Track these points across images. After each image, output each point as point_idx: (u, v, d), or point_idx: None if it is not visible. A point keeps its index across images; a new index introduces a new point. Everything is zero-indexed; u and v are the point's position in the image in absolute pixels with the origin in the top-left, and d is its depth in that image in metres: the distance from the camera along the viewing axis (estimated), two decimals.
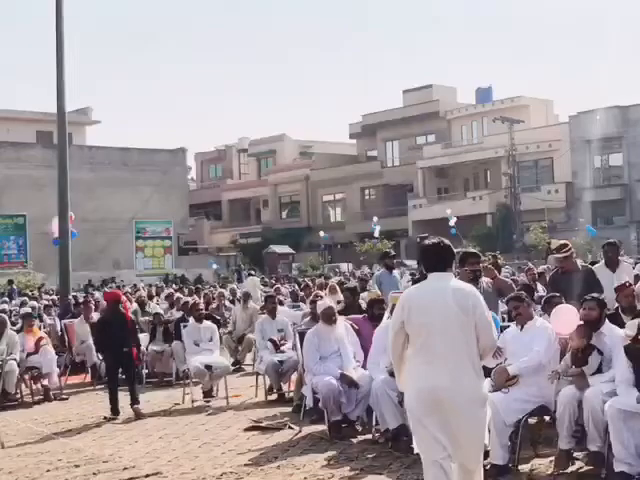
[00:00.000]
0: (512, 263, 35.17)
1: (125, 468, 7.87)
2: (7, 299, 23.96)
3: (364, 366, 9.06)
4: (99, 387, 13.17)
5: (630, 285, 8.48)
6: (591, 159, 50.31)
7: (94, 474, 7.74)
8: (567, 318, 7.29)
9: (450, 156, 56.18)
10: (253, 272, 37.81)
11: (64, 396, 12.49)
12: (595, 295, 7.47)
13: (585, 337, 7.08)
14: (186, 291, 24.88)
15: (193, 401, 11.19)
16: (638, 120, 47.37)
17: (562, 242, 9.89)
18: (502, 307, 9.65)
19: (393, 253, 14.99)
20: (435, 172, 58.37)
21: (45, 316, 16.44)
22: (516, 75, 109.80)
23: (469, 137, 58.91)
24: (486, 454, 6.36)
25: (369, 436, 8.53)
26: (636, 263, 17.84)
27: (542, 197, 50.23)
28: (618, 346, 6.88)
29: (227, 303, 19.32)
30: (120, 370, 11.08)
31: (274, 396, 11.31)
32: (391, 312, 7.34)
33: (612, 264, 10.37)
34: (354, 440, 8.53)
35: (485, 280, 8.83)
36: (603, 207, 48.80)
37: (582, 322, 7.16)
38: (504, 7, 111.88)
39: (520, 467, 7.00)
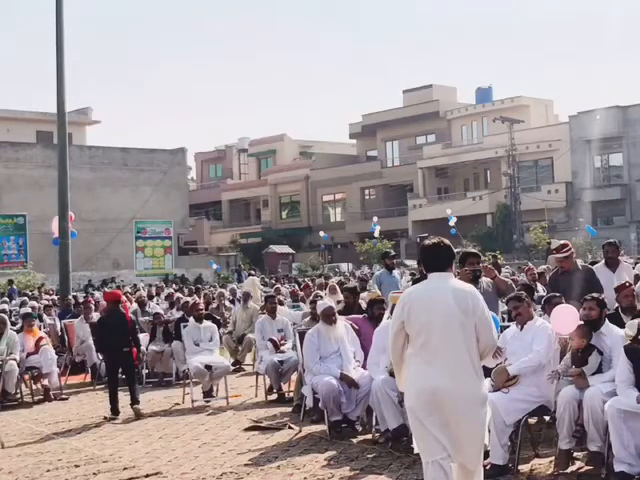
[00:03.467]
0: (512, 263, 35.22)
1: (125, 468, 7.87)
2: (7, 299, 23.95)
3: (364, 366, 9.05)
4: (99, 387, 13.18)
5: (630, 285, 8.47)
6: (591, 159, 50.33)
7: (94, 474, 7.74)
8: (567, 318, 7.28)
9: (450, 156, 56.19)
10: (253, 272, 37.81)
11: (64, 396, 12.48)
12: (595, 295, 7.47)
13: (585, 337, 7.08)
14: (186, 291, 24.88)
15: (193, 401, 11.18)
16: (638, 120, 47.38)
17: (562, 242, 9.87)
18: (502, 307, 9.65)
19: (393, 253, 14.97)
20: (435, 172, 58.40)
21: (45, 316, 16.44)
22: (516, 75, 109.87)
23: (469, 137, 58.95)
24: (486, 454, 6.36)
25: (369, 436, 8.53)
26: (636, 263, 17.85)
27: (542, 197, 50.28)
28: (618, 346, 6.88)
29: (227, 303, 19.33)
30: (120, 370, 11.08)
31: (274, 396, 11.31)
32: (391, 312, 7.34)
33: (612, 264, 10.37)
34: (354, 440, 8.53)
35: (485, 280, 8.83)
36: (603, 207, 48.84)
37: (582, 322, 7.17)
38: (504, 7, 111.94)
39: (520, 467, 6.99)
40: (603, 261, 10.69)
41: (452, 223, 42.38)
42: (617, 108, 48.49)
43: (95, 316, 14.16)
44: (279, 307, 12.84)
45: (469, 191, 56.67)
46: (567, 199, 50.53)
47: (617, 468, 6.42)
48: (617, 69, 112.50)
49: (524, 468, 7.02)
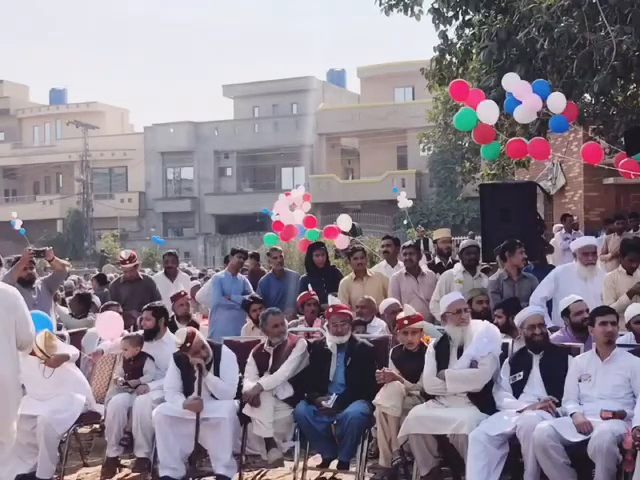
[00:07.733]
0: (82, 270, 34.81)
1: None
2: None
3: None
4: None
5: (185, 294, 8.97)
6: (164, 171, 51.77)
7: None
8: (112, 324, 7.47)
9: (20, 157, 54.06)
10: None
11: None
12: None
13: (138, 346, 7.22)
14: None
15: None
16: (208, 136, 49.75)
17: (131, 252, 10.11)
18: None
19: None
20: (3, 173, 55.73)
21: None
22: (92, 80, 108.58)
23: (41, 139, 57.13)
24: None
25: None
26: (201, 275, 18.77)
27: (115, 205, 50.46)
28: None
29: None
30: None
31: None
32: None
33: (171, 274, 10.80)
34: None
35: None
36: (174, 218, 50.59)
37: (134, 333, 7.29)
38: (80, 9, 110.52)
39: (67, 477, 6.87)
40: (163, 270, 11.10)
41: (17, 227, 40.47)
42: (189, 123, 50.48)
43: None
44: None
45: (39, 195, 54.92)
46: (140, 208, 51.35)
47: (162, 473, 6.62)
48: (191, 86, 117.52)
49: (72, 478, 6.92)
